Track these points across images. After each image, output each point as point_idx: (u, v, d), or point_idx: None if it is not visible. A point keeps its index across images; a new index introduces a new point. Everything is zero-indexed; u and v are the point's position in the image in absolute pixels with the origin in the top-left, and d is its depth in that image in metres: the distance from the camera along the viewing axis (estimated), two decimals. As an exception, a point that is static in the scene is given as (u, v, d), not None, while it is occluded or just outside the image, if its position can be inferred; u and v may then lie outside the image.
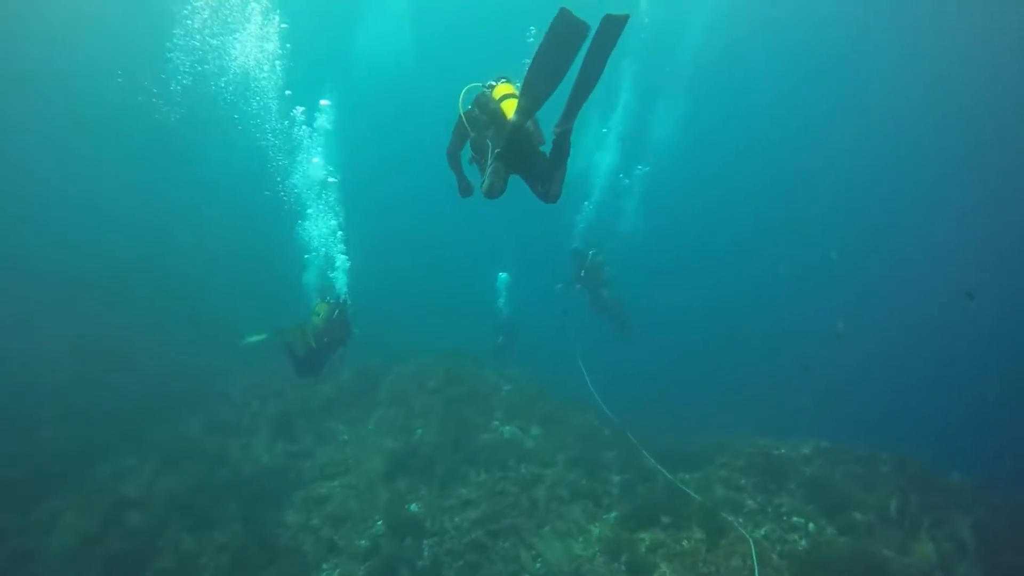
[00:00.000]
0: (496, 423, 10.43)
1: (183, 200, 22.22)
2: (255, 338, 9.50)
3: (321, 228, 11.31)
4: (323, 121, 12.34)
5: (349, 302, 9.63)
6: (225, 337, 15.21)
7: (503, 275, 16.24)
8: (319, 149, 12.17)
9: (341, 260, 11.75)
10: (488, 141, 4.46)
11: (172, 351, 14.16)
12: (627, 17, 3.74)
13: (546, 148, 4.37)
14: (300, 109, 12.03)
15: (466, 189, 5.30)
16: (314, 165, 11.94)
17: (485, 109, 4.58)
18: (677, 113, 22.56)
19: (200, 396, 12.19)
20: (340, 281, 10.40)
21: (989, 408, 15.28)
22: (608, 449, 10.02)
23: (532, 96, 4.02)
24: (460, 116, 4.76)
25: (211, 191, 22.97)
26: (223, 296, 18.07)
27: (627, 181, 18.93)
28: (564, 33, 3.72)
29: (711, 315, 22.19)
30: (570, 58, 3.79)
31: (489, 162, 4.32)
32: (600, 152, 17.92)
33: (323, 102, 12.44)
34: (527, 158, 4.35)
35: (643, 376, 14.98)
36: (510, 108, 4.35)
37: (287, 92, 12.26)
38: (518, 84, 4.47)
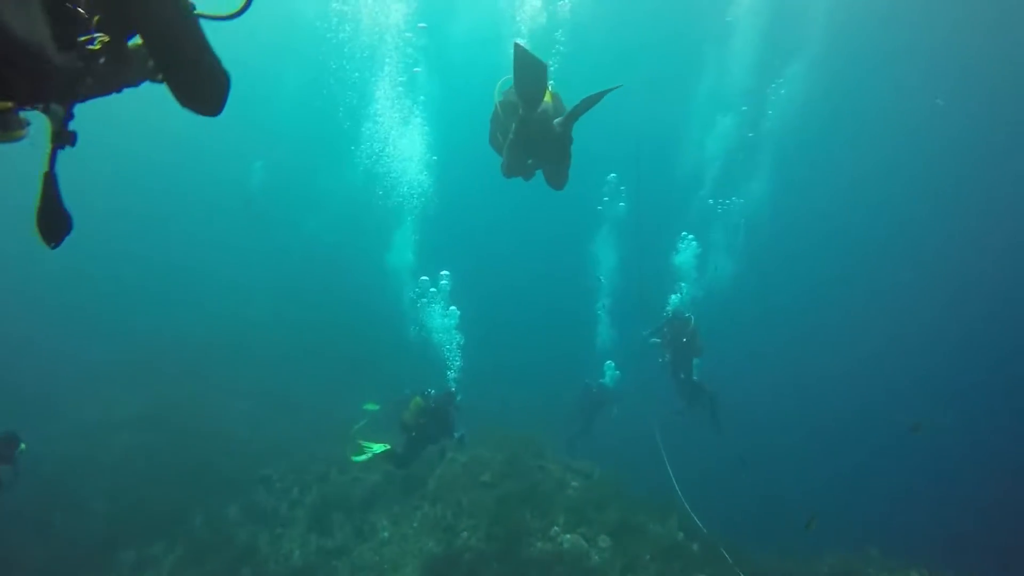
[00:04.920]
0: (556, 529, 8.62)
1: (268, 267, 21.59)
2: (371, 407, 9.32)
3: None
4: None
5: (457, 400, 8.63)
6: (286, 411, 14.54)
7: (610, 364, 14.39)
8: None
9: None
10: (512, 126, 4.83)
11: (231, 425, 13.47)
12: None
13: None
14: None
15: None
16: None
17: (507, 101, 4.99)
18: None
19: (244, 477, 11.28)
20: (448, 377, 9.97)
21: None
22: (695, 571, 7.93)
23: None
24: (495, 105, 5.01)
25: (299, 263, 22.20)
26: (300, 368, 17.31)
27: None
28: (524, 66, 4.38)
29: (831, 394, 18.82)
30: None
31: (506, 145, 4.83)
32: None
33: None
34: (540, 143, 4.78)
35: (745, 473, 12.51)
36: None
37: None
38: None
